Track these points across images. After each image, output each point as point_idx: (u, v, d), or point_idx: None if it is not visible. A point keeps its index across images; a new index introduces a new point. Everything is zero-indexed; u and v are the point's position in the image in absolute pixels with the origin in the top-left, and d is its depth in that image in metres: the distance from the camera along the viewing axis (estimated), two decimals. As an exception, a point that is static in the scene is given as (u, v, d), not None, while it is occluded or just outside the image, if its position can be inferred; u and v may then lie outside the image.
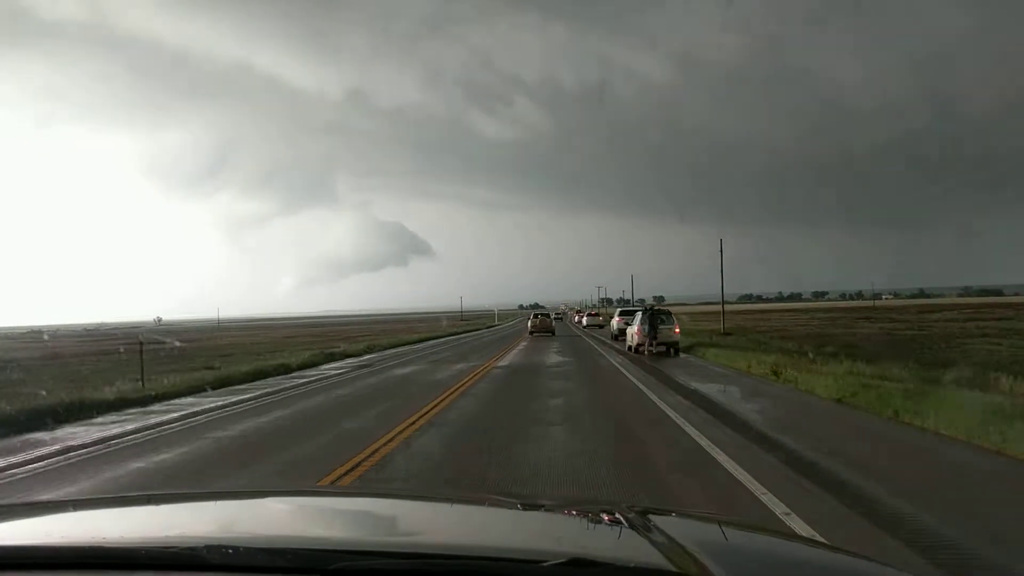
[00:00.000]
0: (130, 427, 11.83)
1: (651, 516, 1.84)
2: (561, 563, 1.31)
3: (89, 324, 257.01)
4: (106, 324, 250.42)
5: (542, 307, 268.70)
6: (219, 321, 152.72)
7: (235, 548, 1.39)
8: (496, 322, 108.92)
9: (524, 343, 37.23)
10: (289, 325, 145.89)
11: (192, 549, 1.39)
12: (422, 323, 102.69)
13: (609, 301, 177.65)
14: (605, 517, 1.86)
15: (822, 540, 4.32)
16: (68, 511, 2.09)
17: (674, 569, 1.38)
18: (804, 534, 5.06)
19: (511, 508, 2.24)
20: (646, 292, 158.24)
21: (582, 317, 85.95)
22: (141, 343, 19.21)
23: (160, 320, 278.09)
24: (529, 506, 2.26)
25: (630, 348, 27.13)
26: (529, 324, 53.07)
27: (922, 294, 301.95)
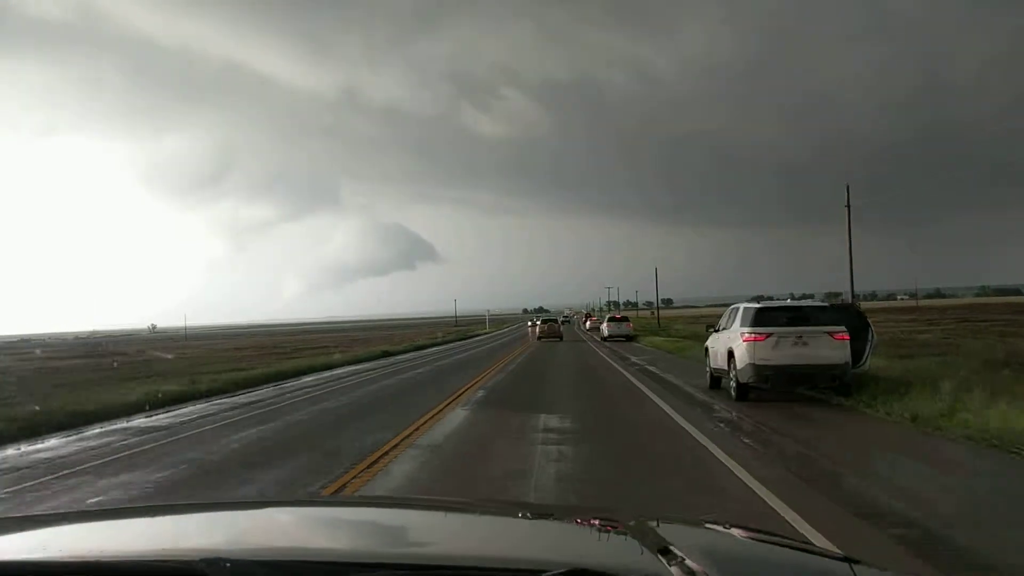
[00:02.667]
0: None
1: (652, 523, 1.81)
2: (561, 573, 1.32)
3: (81, 332, 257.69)
4: (98, 332, 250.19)
5: (547, 311, 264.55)
6: (187, 330, 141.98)
7: (233, 562, 1.36)
8: (486, 329, 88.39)
9: (470, 404, 14.51)
10: (268, 334, 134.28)
11: (189, 563, 1.37)
12: (410, 330, 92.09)
13: (616, 304, 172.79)
14: (607, 525, 1.87)
15: (831, 549, 3.94)
16: (66, 524, 2.06)
17: None
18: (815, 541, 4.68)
19: (514, 516, 2.22)
20: (653, 295, 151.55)
21: (598, 323, 65.06)
22: None
23: (155, 327, 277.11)
24: (532, 514, 2.25)
25: None
26: (537, 330, 49.68)
27: (939, 294, 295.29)
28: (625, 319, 49.13)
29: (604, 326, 48.19)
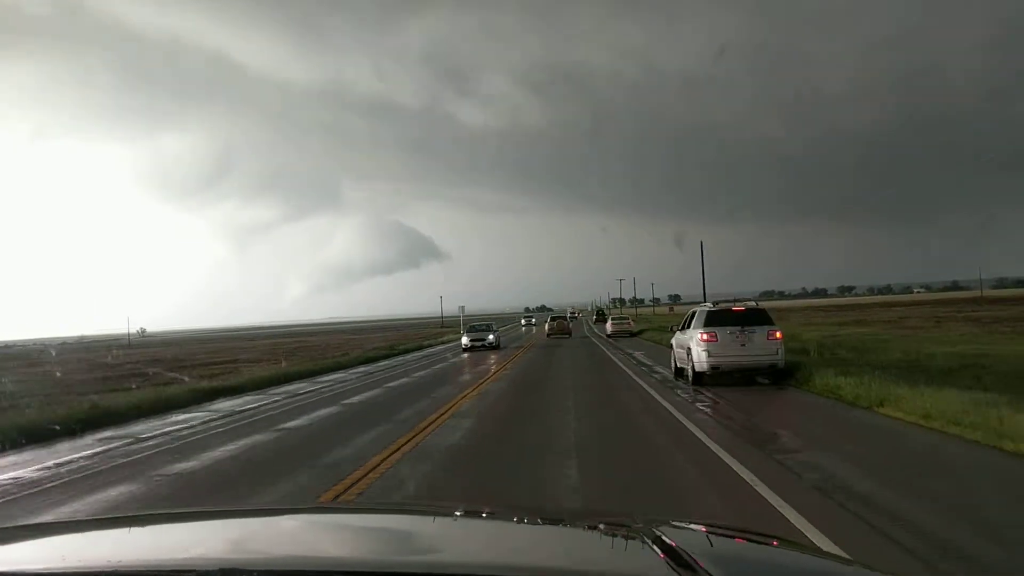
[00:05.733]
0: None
1: (665, 528, 1.75)
2: None
3: (69, 338, 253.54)
4: (87, 337, 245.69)
5: (550, 309, 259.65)
6: (130, 335, 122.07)
7: (250, 572, 1.37)
8: (460, 334, 60.40)
9: None
10: (240, 338, 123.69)
11: (206, 573, 1.37)
12: (393, 332, 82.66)
13: (622, 301, 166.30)
14: (616, 530, 1.83)
15: (842, 554, 3.91)
16: (82, 532, 2.06)
17: None
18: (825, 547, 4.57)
19: (522, 523, 2.16)
20: (660, 291, 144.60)
21: (627, 326, 46.87)
22: None
23: (144, 331, 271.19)
24: (541, 520, 2.21)
25: None
26: (547, 327, 48.92)
27: (956, 286, 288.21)
28: (762, 317, 16.29)
29: (699, 345, 15.93)
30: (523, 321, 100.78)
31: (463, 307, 51.66)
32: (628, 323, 48.85)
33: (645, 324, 55.54)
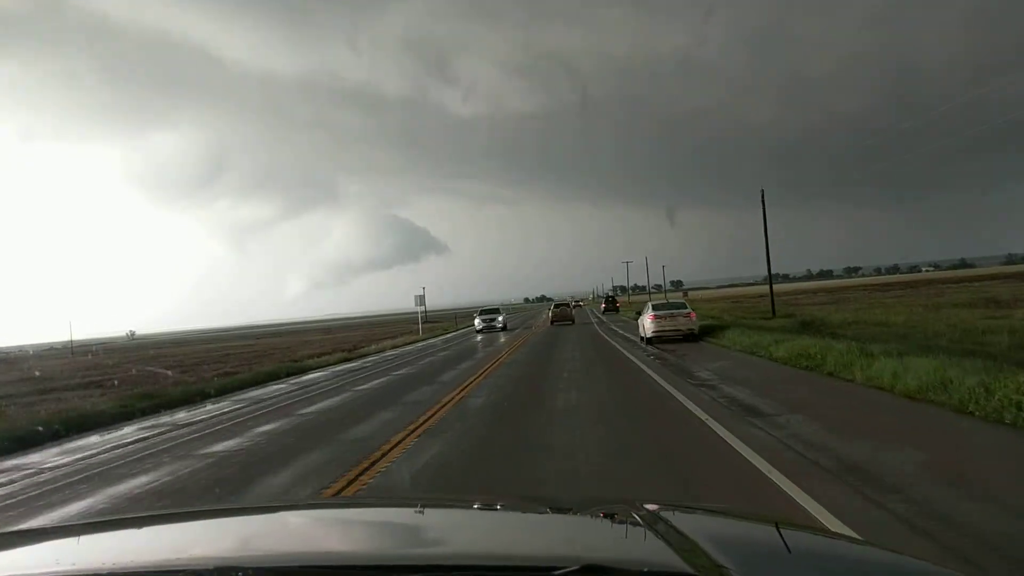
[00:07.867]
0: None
1: (667, 513, 1.77)
2: (573, 570, 1.29)
3: (57, 342, 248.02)
4: (75, 342, 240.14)
5: (551, 299, 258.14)
6: (72, 343, 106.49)
7: (244, 570, 1.37)
8: (407, 340, 42.64)
9: None
10: (213, 339, 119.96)
11: (201, 572, 1.38)
12: (368, 330, 76.60)
13: (623, 288, 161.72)
14: (618, 516, 1.82)
15: (848, 533, 3.87)
16: (75, 536, 2.04)
17: (691, 571, 1.32)
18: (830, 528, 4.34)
19: (523, 511, 2.17)
20: (659, 277, 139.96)
21: (677, 323, 24.88)
22: None
23: (133, 334, 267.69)
24: (541, 508, 2.19)
25: None
26: (550, 314, 51.68)
27: (964, 264, 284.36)
28: None
29: None
30: (478, 322, 49.48)
31: (421, 295, 45.87)
32: (687, 316, 26.33)
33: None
